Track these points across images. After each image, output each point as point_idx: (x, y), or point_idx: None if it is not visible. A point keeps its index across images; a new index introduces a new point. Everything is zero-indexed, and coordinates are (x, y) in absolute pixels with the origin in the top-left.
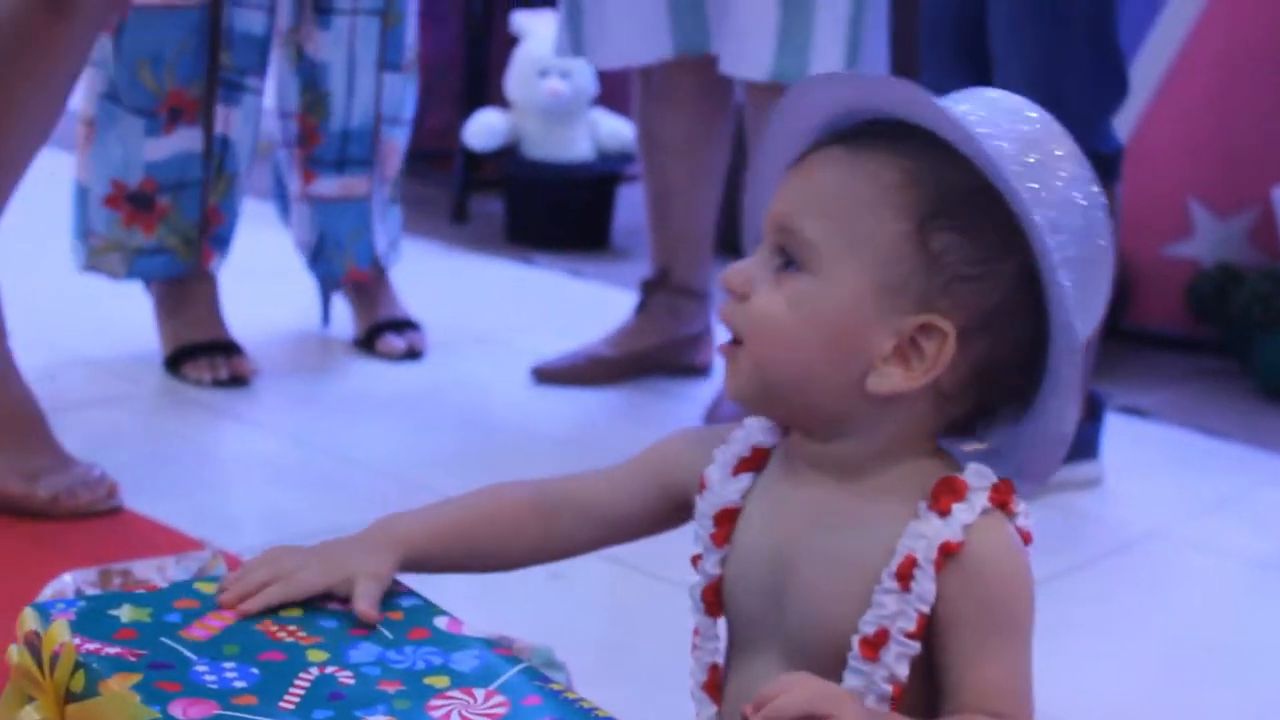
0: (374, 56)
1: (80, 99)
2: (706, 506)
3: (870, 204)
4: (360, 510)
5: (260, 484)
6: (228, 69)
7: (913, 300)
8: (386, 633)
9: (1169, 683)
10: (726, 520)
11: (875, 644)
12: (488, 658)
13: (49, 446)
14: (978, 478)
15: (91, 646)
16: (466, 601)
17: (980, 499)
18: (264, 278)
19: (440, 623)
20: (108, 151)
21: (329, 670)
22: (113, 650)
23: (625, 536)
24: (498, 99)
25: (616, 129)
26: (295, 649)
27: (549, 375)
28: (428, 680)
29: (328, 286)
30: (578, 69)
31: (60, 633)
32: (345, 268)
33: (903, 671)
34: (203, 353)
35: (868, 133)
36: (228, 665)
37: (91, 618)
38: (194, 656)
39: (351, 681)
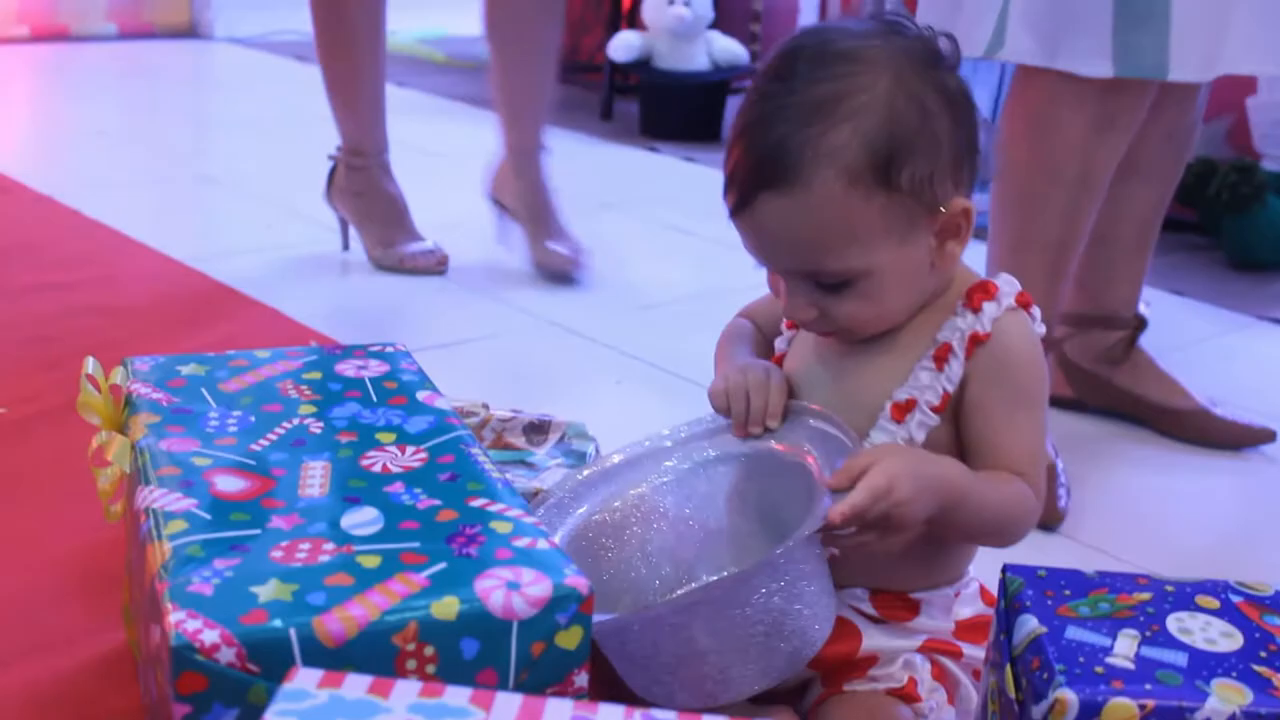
0: None
1: None
2: None
3: (847, 215)
4: None
5: None
6: None
7: (925, 217)
8: (374, 395)
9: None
10: None
11: (904, 409)
12: (438, 424)
13: (404, 228)
14: (1007, 284)
15: (143, 390)
16: (546, 402)
17: (1007, 300)
18: None
19: (421, 395)
20: None
21: (307, 421)
22: (157, 395)
23: None
24: (636, 23)
25: (727, 46)
26: (292, 403)
27: None
28: (379, 436)
29: None
30: None
31: (123, 375)
32: None
33: (920, 437)
34: None
35: (775, 164)
36: (234, 414)
37: (162, 369)
38: (213, 405)
39: (319, 431)
